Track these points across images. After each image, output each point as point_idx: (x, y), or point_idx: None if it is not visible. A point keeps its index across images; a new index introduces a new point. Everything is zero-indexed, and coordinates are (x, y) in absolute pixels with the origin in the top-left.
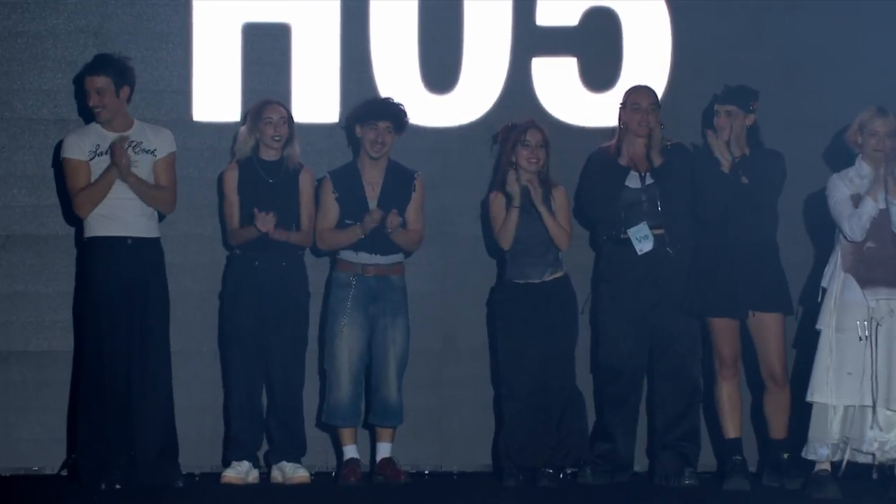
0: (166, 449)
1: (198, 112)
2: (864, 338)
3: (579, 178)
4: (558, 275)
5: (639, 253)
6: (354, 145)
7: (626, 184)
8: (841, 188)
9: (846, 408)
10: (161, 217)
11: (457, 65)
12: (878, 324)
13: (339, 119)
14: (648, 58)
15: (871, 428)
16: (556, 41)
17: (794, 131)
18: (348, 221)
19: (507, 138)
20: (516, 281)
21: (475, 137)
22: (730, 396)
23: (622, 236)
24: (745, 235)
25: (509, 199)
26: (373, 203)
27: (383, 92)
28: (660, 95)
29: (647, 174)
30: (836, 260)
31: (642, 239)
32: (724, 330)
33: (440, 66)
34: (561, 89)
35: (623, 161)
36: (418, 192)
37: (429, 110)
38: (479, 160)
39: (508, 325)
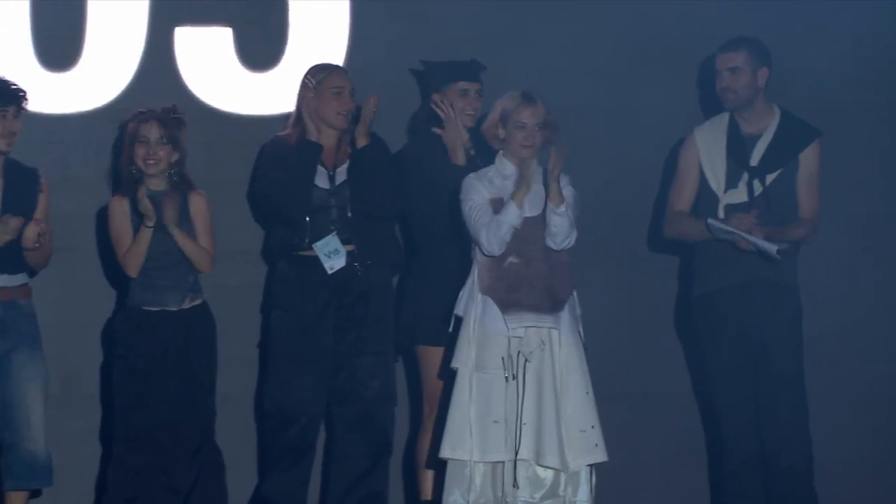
0: None
1: None
2: (510, 378)
3: (252, 175)
4: (198, 301)
5: (329, 271)
6: None
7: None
8: (479, 190)
9: (494, 465)
10: None
11: (78, 34)
12: (526, 359)
13: None
14: (322, 30)
15: (516, 486)
16: (205, 6)
17: None
18: None
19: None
20: (147, 308)
21: (102, 127)
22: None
23: (301, 252)
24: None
25: (141, 217)
26: None
27: None
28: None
29: (337, 171)
30: (473, 279)
31: (332, 254)
32: (438, 361)
33: (57, 36)
34: (212, 67)
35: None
36: (45, 193)
37: (43, 92)
38: (108, 156)
39: (132, 363)
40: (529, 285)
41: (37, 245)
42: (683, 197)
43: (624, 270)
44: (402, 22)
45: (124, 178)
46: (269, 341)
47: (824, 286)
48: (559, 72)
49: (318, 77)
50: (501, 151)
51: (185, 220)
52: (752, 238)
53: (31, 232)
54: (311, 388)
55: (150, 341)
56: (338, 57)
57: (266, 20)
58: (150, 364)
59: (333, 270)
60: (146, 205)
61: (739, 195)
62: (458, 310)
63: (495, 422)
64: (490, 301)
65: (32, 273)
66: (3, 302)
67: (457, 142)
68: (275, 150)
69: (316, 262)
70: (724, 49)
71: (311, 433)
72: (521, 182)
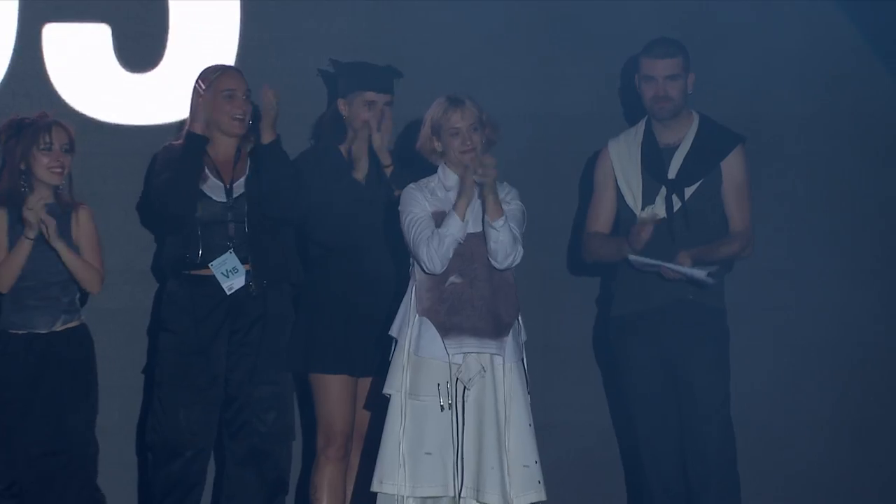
0: None
1: None
2: (446, 406)
3: (144, 185)
4: (73, 324)
5: (227, 291)
6: None
7: (206, 192)
8: (419, 202)
9: (424, 500)
10: None
11: None
12: (465, 387)
13: None
14: (205, 27)
15: None
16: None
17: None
18: None
19: (13, 137)
20: (14, 331)
21: None
22: (331, 483)
23: (193, 272)
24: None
25: (22, 228)
26: None
27: None
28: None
29: (234, 185)
30: (410, 300)
31: (230, 273)
32: (334, 391)
33: None
34: (87, 68)
35: (207, 163)
36: None
37: None
38: None
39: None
40: (472, 307)
41: None
42: (601, 216)
43: (543, 292)
44: (300, 20)
45: (5, 188)
46: (155, 366)
47: (753, 306)
48: (474, 75)
49: (209, 79)
50: (444, 162)
51: (67, 236)
52: (678, 267)
53: None
54: (201, 419)
55: (16, 368)
56: (228, 57)
57: (146, 16)
58: (17, 395)
59: (233, 291)
60: (39, 213)
61: (659, 210)
62: (393, 331)
63: (428, 453)
64: (428, 323)
65: None
66: None
67: (361, 154)
68: (166, 156)
69: (209, 281)
70: (659, 54)
71: (199, 467)
72: (463, 190)
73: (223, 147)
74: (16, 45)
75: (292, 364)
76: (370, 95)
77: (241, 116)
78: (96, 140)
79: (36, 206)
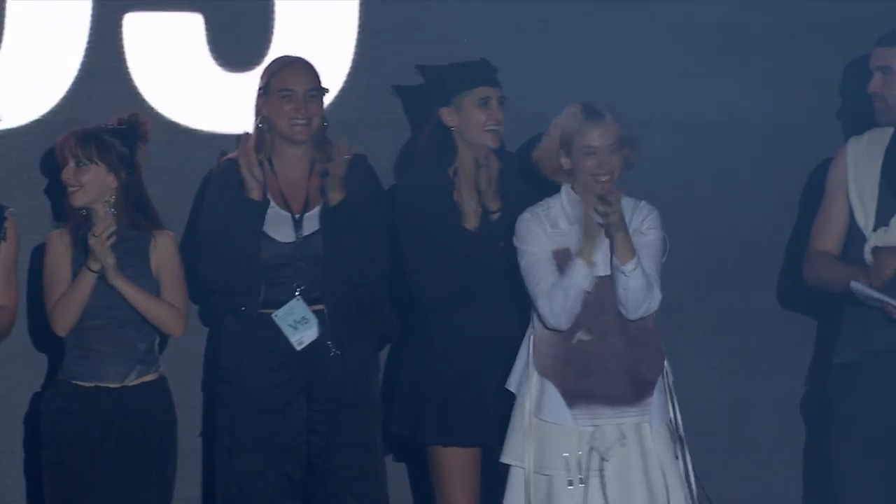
0: None
1: None
2: (577, 482)
3: (194, 211)
4: (151, 377)
5: (297, 347)
6: None
7: (269, 233)
8: (538, 238)
9: None
10: None
11: None
12: (602, 458)
13: None
14: (316, 21)
15: None
16: None
17: None
18: None
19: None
20: (78, 382)
21: (34, 145)
22: None
23: (255, 316)
24: (484, 327)
25: (86, 258)
26: None
27: None
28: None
29: (305, 216)
30: (528, 351)
31: (300, 324)
32: (458, 464)
33: None
34: (175, 66)
35: (270, 184)
36: (10, 241)
37: None
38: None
39: (59, 458)
40: (605, 370)
41: None
42: (831, 232)
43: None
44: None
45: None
46: (216, 428)
47: None
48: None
49: (267, 76)
50: (567, 186)
51: (144, 266)
52: None
53: None
54: (278, 487)
55: (78, 431)
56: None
57: (246, 4)
58: (77, 465)
59: (303, 346)
60: (103, 241)
61: (892, 236)
62: (511, 385)
63: None
64: (550, 386)
65: None
66: None
67: (469, 197)
68: (223, 179)
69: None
70: (879, 42)
71: None
72: (589, 231)
73: (291, 161)
74: (90, 39)
75: (400, 429)
76: (484, 91)
77: (302, 121)
78: (186, 151)
79: (102, 236)
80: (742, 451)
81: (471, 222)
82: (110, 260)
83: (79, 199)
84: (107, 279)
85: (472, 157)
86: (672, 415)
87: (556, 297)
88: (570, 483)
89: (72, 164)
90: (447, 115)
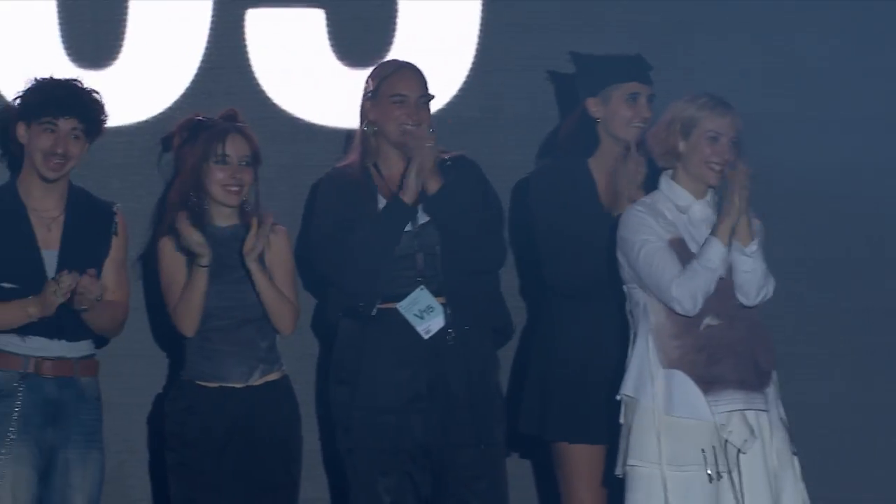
0: None
1: None
2: (716, 476)
3: (305, 217)
4: (274, 376)
5: (425, 336)
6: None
7: None
8: (652, 227)
9: None
10: None
11: (119, 22)
12: (739, 450)
13: None
14: (440, 19)
15: None
16: None
17: None
18: (6, 286)
19: (189, 142)
20: (202, 383)
21: (151, 143)
22: None
23: (374, 312)
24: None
25: (193, 255)
26: (51, 254)
27: None
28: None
29: (419, 208)
30: (647, 352)
31: (426, 313)
32: (582, 461)
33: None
34: (298, 61)
35: (380, 188)
36: (121, 236)
37: None
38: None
39: (185, 459)
40: (734, 355)
41: (84, 308)
42: None
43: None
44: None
45: (176, 203)
46: (336, 428)
47: None
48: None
49: (377, 79)
50: (669, 173)
51: (258, 262)
52: None
53: (88, 287)
54: (401, 487)
55: (205, 430)
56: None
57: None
58: (204, 466)
59: (431, 334)
60: (192, 235)
61: None
62: (627, 390)
63: None
64: (681, 376)
65: (101, 341)
66: (59, 379)
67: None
68: (333, 187)
69: (394, 316)
70: None
71: None
72: (731, 208)
73: (395, 163)
74: (211, 34)
75: (527, 427)
76: (633, 86)
77: (412, 126)
78: (309, 147)
79: (186, 231)
80: (866, 454)
81: (621, 206)
82: (253, 244)
83: (238, 199)
84: (246, 262)
85: (614, 150)
86: (781, 411)
87: (693, 279)
88: (710, 478)
89: (235, 162)
90: (593, 106)
